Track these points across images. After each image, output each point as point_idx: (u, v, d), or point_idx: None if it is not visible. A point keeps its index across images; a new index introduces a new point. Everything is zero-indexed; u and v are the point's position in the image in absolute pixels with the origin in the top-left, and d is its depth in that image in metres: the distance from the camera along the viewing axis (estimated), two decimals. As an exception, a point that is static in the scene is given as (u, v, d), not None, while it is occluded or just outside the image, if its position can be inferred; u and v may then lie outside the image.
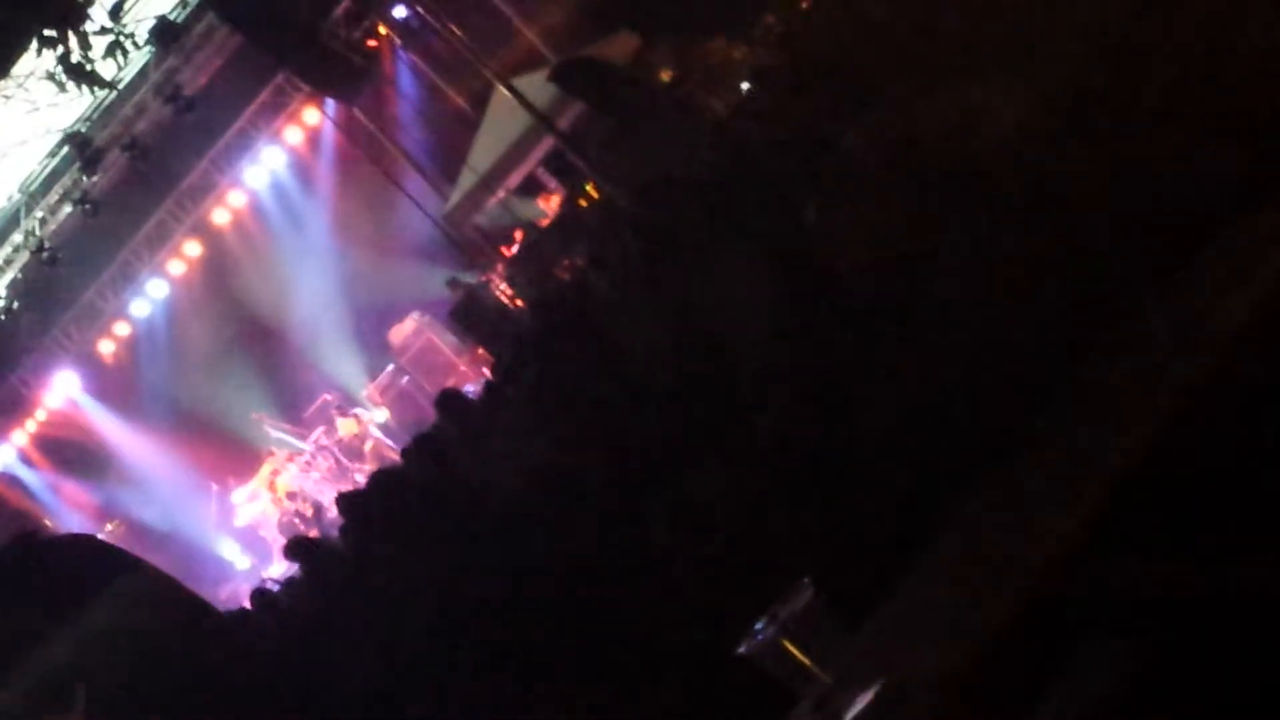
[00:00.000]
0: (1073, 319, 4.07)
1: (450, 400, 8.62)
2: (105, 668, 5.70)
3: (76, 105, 18.56)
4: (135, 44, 17.69)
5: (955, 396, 4.48)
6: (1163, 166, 4.24)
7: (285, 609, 7.36)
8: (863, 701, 2.96)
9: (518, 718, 5.50)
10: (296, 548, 8.18)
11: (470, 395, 9.08)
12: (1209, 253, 3.39)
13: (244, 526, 19.43)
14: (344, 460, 19.00)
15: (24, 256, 19.33)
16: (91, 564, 6.15)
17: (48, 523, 19.78)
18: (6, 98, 17.85)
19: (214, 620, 7.08)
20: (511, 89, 17.32)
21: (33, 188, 19.36)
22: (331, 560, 7.38)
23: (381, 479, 7.70)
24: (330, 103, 19.80)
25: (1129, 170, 4.36)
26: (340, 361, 20.47)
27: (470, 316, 17.81)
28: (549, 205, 18.57)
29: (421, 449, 7.82)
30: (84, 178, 18.91)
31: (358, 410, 19.62)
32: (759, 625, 3.22)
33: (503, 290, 17.61)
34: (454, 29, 18.20)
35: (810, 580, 3.23)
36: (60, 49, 16.32)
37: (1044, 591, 2.83)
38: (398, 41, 19.63)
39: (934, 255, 4.75)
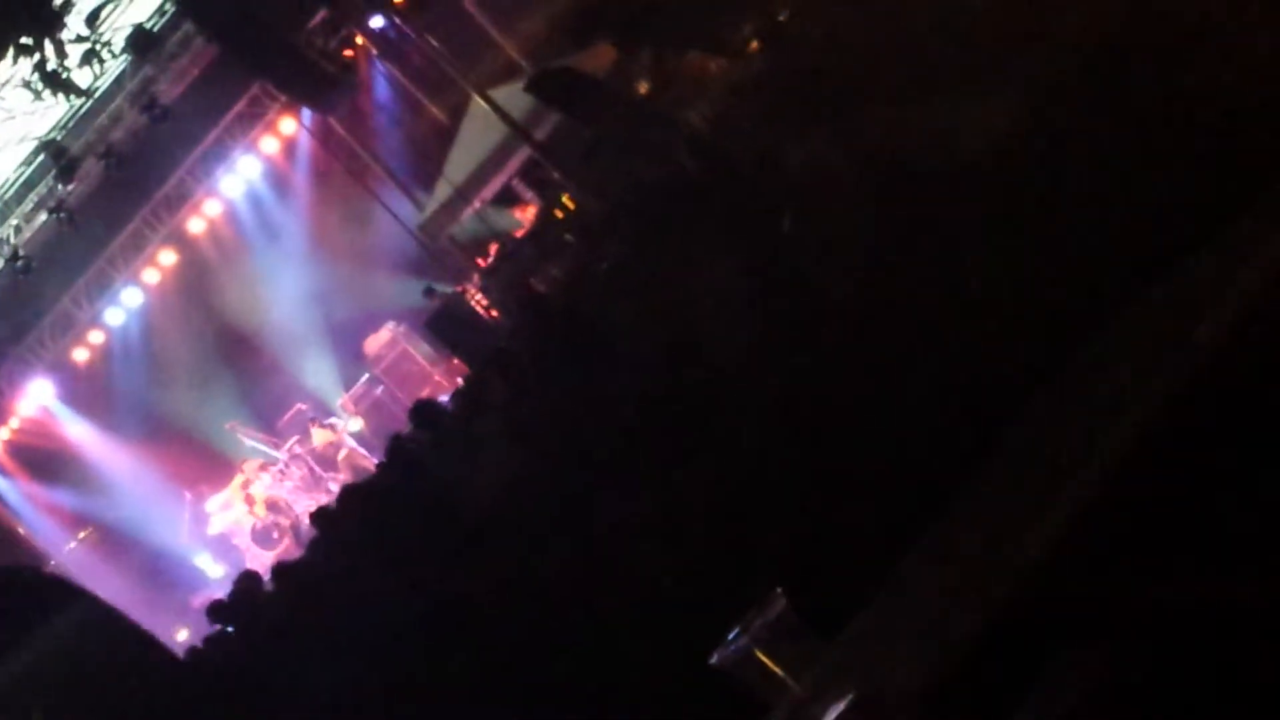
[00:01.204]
0: (1051, 328, 4.07)
1: (424, 411, 8.58)
2: (52, 693, 5.69)
3: (52, 113, 18.51)
4: (111, 52, 17.65)
5: (931, 405, 4.49)
6: (1144, 175, 4.25)
7: (259, 618, 7.34)
8: (836, 711, 2.95)
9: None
10: (219, 611, 8.08)
11: (445, 405, 9.03)
12: (1190, 261, 3.39)
13: (217, 535, 19.38)
14: (317, 469, 19.00)
15: (-2, 264, 19.27)
16: (34, 596, 6.13)
17: (20, 531, 19.72)
18: (-18, 105, 17.81)
19: (159, 653, 7.06)
20: (488, 100, 17.31)
21: (8, 195, 19.29)
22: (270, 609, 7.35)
23: (354, 493, 7.68)
24: (306, 113, 19.78)
25: (1109, 178, 4.38)
26: (315, 371, 20.45)
27: (446, 327, 17.81)
28: (525, 216, 18.55)
29: (396, 458, 7.80)
30: (59, 186, 18.84)
31: (333, 419, 19.62)
32: (732, 635, 3.21)
33: (478, 300, 17.61)
34: (431, 40, 18.19)
35: (783, 590, 3.23)
36: (36, 57, 16.29)
37: (1019, 601, 2.83)
38: (374, 52, 19.60)
39: (910, 264, 4.75)
